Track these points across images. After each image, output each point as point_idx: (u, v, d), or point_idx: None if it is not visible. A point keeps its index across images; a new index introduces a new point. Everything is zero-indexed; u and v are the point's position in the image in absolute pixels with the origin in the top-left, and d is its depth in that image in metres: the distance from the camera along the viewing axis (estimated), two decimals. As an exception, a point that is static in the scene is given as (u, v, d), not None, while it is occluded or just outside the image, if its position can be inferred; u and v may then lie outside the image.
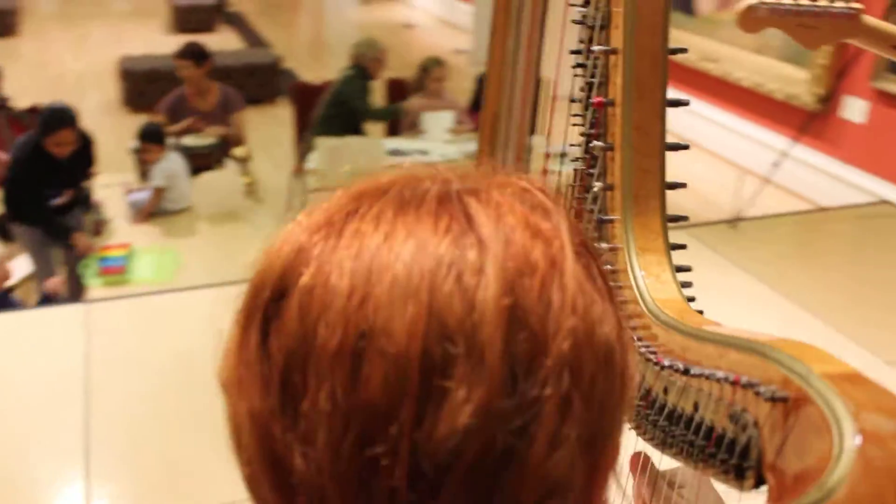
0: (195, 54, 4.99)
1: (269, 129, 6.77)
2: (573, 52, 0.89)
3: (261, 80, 7.78)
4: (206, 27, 10.51)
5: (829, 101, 5.83)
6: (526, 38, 1.23)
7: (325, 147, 4.76)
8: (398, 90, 6.19)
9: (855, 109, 5.72)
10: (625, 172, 0.80)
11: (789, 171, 5.86)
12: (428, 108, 5.55)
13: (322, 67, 8.91)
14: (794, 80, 6.13)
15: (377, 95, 6.52)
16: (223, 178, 4.49)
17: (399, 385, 0.39)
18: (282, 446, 0.42)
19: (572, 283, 0.42)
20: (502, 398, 0.39)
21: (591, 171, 0.87)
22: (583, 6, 0.87)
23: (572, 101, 0.91)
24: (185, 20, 10.55)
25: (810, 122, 5.73)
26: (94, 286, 3.79)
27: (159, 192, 4.33)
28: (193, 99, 5.10)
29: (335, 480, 0.40)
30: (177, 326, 3.49)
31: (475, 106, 5.86)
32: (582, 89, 0.88)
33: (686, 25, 7.21)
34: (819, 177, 5.76)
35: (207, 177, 4.45)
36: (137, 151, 4.70)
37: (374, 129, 6.24)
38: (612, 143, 0.82)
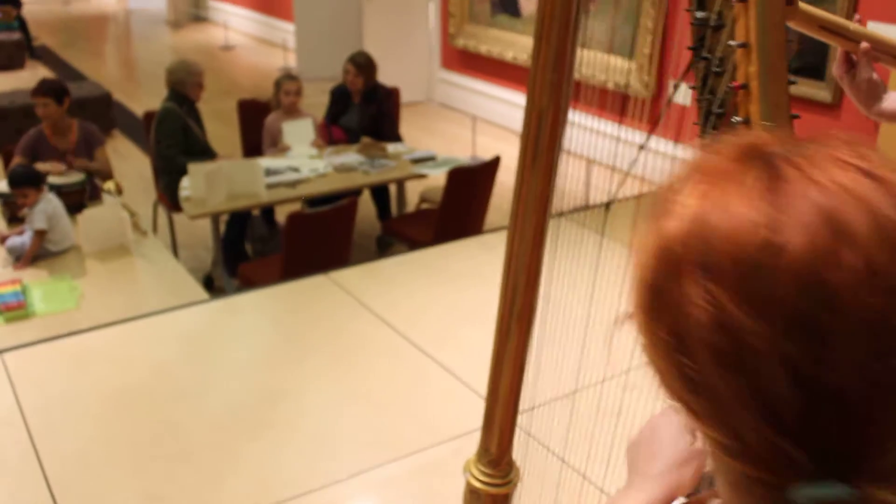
0: (55, 91, 4.84)
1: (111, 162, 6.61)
2: (691, 48, 1.09)
3: (94, 114, 7.54)
4: (16, 64, 10.02)
5: (657, 87, 6.36)
6: (562, 43, 1.41)
7: (199, 174, 4.74)
8: (251, 111, 6.22)
9: (681, 93, 6.25)
10: (765, 140, 1.01)
11: (627, 155, 6.33)
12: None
13: (149, 96, 8.74)
14: (622, 70, 6.62)
15: (230, 119, 6.51)
16: (105, 214, 4.40)
17: None
18: (813, 373, 0.56)
19: None
20: None
21: (721, 143, 1.07)
22: (696, 10, 1.08)
23: (692, 87, 1.11)
24: (-9, 58, 10.03)
25: (645, 108, 6.21)
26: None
27: (41, 235, 4.20)
28: (53, 138, 4.95)
29: (866, 386, 0.56)
30: (98, 364, 3.45)
31: (332, 118, 5.97)
32: (705, 77, 1.09)
33: (514, 27, 7.61)
34: (656, 158, 6.24)
35: (89, 213, 4.36)
36: (6, 196, 4.53)
37: (230, 149, 6.24)
38: (748, 119, 1.03)
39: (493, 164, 5.03)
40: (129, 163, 7.24)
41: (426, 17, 8.77)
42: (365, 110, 5.84)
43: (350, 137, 5.79)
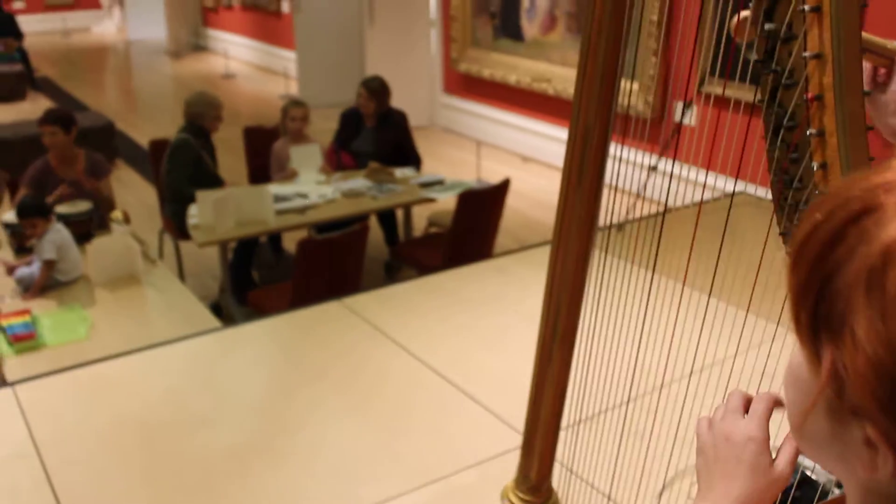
0: (63, 119, 4.82)
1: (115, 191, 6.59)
2: (758, 62, 1.06)
3: (97, 144, 7.51)
4: (17, 95, 10.02)
5: (662, 108, 6.35)
6: (610, 57, 1.38)
7: (208, 201, 4.71)
8: (257, 138, 6.21)
9: (687, 113, 6.24)
10: (842, 152, 0.98)
11: (631, 176, 6.34)
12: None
13: (152, 126, 8.74)
14: (625, 91, 6.60)
15: (234, 147, 6.51)
16: (114, 244, 4.37)
17: None
18: None
19: None
20: None
21: (792, 155, 1.04)
22: (764, 22, 1.05)
23: (759, 102, 1.08)
24: (-8, 89, 10.04)
25: (647, 129, 6.20)
26: (8, 354, 3.62)
27: (50, 265, 4.16)
28: (60, 167, 4.92)
29: None
30: (111, 395, 3.40)
31: (341, 143, 5.93)
32: (774, 90, 1.05)
33: (517, 51, 7.62)
34: (662, 179, 6.22)
35: (98, 243, 4.32)
36: (14, 227, 4.50)
37: (235, 177, 6.22)
38: (822, 130, 0.99)
39: (502, 188, 5.00)
40: (133, 191, 7.22)
41: (428, 43, 8.79)
42: (381, 135, 5.80)
43: (360, 162, 5.76)
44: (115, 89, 11.89)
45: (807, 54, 1.00)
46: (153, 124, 8.90)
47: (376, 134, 5.79)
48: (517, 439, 3.02)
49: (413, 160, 5.82)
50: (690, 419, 2.86)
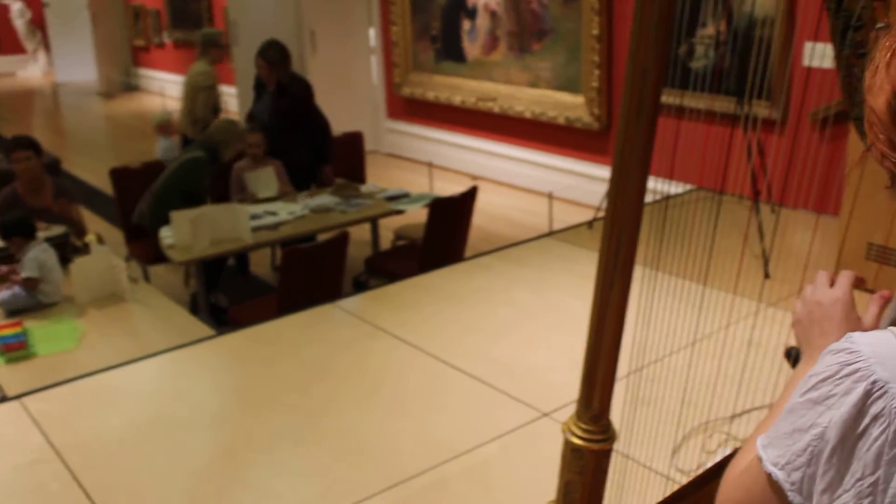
0: (34, 144, 4.84)
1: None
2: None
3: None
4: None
5: (609, 119, 6.63)
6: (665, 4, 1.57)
7: (183, 220, 4.77)
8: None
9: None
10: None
11: (579, 187, 6.64)
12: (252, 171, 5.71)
13: (94, 163, 8.73)
14: (571, 105, 6.89)
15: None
16: (97, 263, 4.40)
17: None
18: None
19: None
20: None
21: (860, 51, 1.24)
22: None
23: (826, 8, 1.27)
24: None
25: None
26: (-1, 364, 3.66)
27: (34, 283, 4.17)
28: (27, 195, 4.92)
29: None
30: (125, 400, 3.46)
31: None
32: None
33: (460, 72, 7.85)
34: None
35: (81, 262, 4.34)
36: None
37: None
38: (888, 24, 1.19)
39: (471, 194, 5.18)
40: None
41: (369, 69, 8.98)
42: (276, 103, 5.86)
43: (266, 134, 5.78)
44: (49, 130, 11.76)
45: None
46: (95, 161, 8.88)
47: (274, 102, 5.86)
48: (531, 413, 3.19)
49: (320, 127, 5.96)
50: (691, 384, 3.05)
